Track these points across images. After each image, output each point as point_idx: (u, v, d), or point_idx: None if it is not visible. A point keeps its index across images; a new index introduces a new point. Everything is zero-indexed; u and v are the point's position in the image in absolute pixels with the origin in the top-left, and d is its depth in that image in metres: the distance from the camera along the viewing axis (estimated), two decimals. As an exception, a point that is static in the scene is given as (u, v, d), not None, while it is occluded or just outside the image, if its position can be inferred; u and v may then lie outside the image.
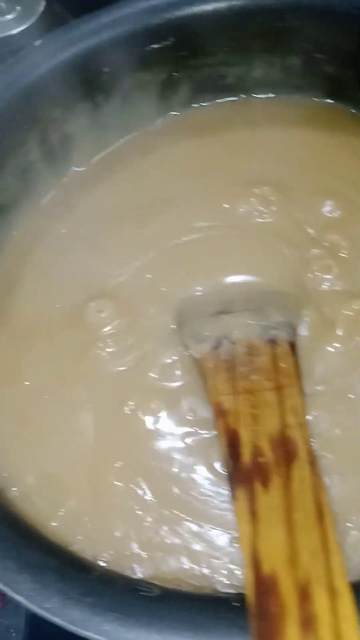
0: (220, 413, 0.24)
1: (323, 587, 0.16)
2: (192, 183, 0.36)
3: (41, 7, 0.46)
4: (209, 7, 0.30)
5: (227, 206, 0.34)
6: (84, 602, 0.17)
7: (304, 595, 0.16)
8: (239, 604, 0.17)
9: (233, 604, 0.17)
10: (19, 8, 0.47)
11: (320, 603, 0.16)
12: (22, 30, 0.47)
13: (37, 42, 0.30)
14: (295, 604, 0.16)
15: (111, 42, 0.31)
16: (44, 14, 0.45)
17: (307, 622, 0.16)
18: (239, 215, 0.34)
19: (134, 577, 0.18)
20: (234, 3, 0.30)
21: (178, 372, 0.29)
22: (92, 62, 0.31)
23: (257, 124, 0.38)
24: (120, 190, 0.36)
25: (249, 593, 0.16)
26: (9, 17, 0.47)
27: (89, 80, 0.32)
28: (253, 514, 0.19)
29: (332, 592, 0.16)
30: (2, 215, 0.34)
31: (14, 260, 0.34)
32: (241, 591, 0.18)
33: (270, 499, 0.19)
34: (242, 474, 0.21)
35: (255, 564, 0.17)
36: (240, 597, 0.17)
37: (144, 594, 0.17)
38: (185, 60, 0.34)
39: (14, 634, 0.41)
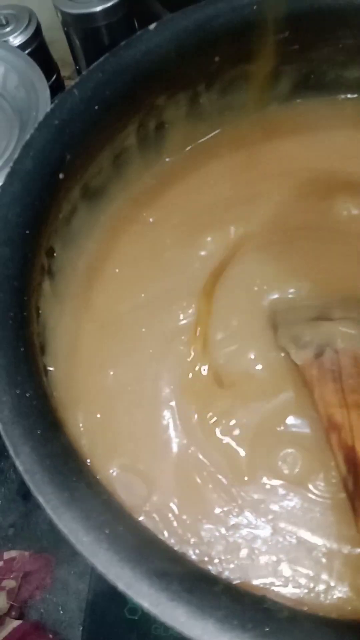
0: (333, 427, 0.23)
1: None
2: (285, 182, 0.35)
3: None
4: (329, 1, 0.29)
5: (322, 208, 0.34)
6: (214, 616, 0.17)
7: None
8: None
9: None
10: (102, -15, 0.46)
11: None
12: (104, 9, 0.47)
13: (152, 26, 0.29)
14: None
15: (226, 31, 0.30)
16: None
17: None
18: (334, 218, 0.33)
19: (259, 594, 0.18)
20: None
21: (267, 378, 0.29)
22: (204, 49, 0.30)
23: (355, 125, 0.36)
24: (210, 183, 0.35)
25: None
26: (93, -7, 0.46)
27: (197, 68, 0.31)
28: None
29: None
30: (93, 200, 0.33)
31: (101, 246, 0.34)
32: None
33: None
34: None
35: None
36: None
37: (275, 612, 0.17)
38: (294, 54, 0.33)
39: (61, 612, 0.42)
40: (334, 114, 0.36)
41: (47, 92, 0.43)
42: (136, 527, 0.19)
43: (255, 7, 0.29)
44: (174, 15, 0.29)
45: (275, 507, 0.25)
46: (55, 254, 0.31)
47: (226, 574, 0.24)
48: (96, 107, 0.28)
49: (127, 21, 0.49)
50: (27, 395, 0.21)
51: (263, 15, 0.29)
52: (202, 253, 0.33)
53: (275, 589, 0.23)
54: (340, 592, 0.21)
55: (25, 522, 0.44)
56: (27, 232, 0.26)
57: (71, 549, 0.45)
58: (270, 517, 0.25)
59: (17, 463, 0.20)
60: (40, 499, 0.19)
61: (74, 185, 0.31)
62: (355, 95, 0.36)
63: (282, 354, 0.29)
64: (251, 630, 0.16)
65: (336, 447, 0.22)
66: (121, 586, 0.17)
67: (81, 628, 0.39)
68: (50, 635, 0.39)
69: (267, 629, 0.16)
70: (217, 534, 0.25)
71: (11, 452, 0.20)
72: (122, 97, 0.29)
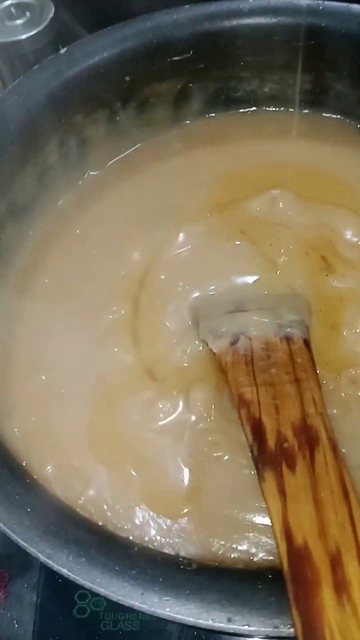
0: (243, 403, 0.25)
1: (353, 554, 0.18)
2: (204, 189, 0.37)
3: (50, 14, 0.48)
4: (229, 24, 0.32)
5: (240, 210, 0.36)
6: (128, 574, 0.18)
7: (336, 562, 0.18)
8: (272, 576, 0.18)
9: (268, 576, 0.19)
10: (28, 14, 0.49)
11: (352, 568, 0.17)
12: (30, 36, 0.49)
13: (63, 50, 0.31)
14: (328, 570, 0.17)
15: (133, 53, 0.32)
16: (52, 21, 0.47)
17: (341, 585, 0.17)
18: (251, 219, 0.36)
19: (172, 553, 0.19)
20: (253, 21, 0.32)
21: (191, 367, 0.31)
22: (114, 71, 0.33)
23: (267, 136, 0.39)
24: (133, 194, 0.38)
25: (284, 562, 0.18)
26: (19, 22, 0.48)
27: (110, 88, 0.34)
28: (281, 492, 0.20)
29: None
30: (20, 216, 0.35)
31: (31, 258, 0.35)
32: (275, 565, 0.20)
33: (296, 479, 0.21)
34: (269, 457, 0.22)
35: (288, 535, 0.19)
36: (274, 570, 0.19)
37: (183, 567, 0.18)
38: (202, 72, 0.36)
39: (16, 626, 0.42)
40: (241, 126, 0.39)
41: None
42: (57, 504, 0.21)
43: (158, 31, 0.32)
44: (84, 39, 0.32)
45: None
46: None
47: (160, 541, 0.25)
48: (11, 129, 0.30)
49: (54, 46, 0.51)
50: None
51: (165, 38, 0.32)
52: (127, 261, 0.35)
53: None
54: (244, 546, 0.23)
55: (-23, 540, 0.44)
56: None
57: (24, 563, 0.45)
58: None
59: None
60: None
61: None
62: (254, 108, 0.39)
63: (202, 347, 0.31)
64: (162, 582, 0.18)
65: (245, 420, 0.24)
66: (43, 558, 0.19)
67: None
68: (6, 650, 0.39)
69: (176, 580, 0.18)
70: (150, 520, 0.27)
71: None
72: (37, 118, 0.31)
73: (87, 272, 0.35)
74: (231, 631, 0.17)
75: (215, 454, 0.28)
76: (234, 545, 0.23)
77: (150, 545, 0.22)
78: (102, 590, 0.18)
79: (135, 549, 0.19)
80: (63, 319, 0.33)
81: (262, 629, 0.17)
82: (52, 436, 0.30)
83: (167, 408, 0.29)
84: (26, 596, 0.42)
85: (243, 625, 0.17)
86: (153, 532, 0.26)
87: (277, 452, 0.22)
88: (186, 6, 0.32)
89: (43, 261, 0.35)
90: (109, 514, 0.27)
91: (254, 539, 0.23)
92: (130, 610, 0.33)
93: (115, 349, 0.32)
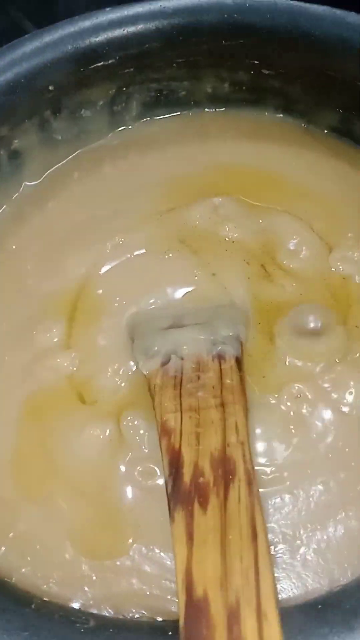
0: (164, 432, 0.24)
1: (252, 608, 0.16)
2: (144, 196, 0.36)
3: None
4: (151, 25, 0.31)
5: (180, 219, 0.35)
6: (21, 636, 0.17)
7: (234, 617, 0.17)
8: (172, 632, 0.17)
9: (169, 633, 0.18)
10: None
11: (249, 625, 0.16)
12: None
13: (-20, 60, 0.30)
14: (224, 626, 0.16)
15: (54, 62, 0.31)
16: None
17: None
18: (191, 228, 0.34)
19: (72, 607, 0.18)
20: (175, 21, 0.31)
21: (125, 389, 0.30)
22: (36, 81, 0.31)
23: (209, 137, 0.38)
24: (71, 205, 0.36)
25: (181, 616, 0.17)
26: None
27: (35, 98, 0.32)
28: (189, 536, 0.19)
29: (260, 615, 0.16)
30: None
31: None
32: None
33: (207, 520, 0.20)
34: (182, 495, 0.21)
35: (188, 585, 0.18)
36: (176, 625, 0.18)
37: (80, 625, 0.17)
38: (133, 76, 0.34)
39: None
40: (182, 128, 0.37)
41: None
42: None
43: (79, 37, 0.30)
44: (1, 49, 0.30)
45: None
46: None
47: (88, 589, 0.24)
48: None
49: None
50: None
51: (87, 44, 0.30)
52: (63, 276, 0.33)
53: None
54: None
55: None
56: None
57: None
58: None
59: None
60: None
61: None
62: (194, 110, 0.37)
63: (136, 367, 0.29)
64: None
65: (164, 451, 0.23)
66: None
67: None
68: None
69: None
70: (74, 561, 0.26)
71: None
72: None
73: (22, 289, 0.33)
74: None
75: (149, 483, 0.27)
76: (156, 593, 0.22)
77: (57, 597, 0.21)
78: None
79: (33, 605, 0.18)
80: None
81: None
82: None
83: (97, 434, 0.28)
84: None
85: None
86: (72, 575, 0.25)
87: (191, 488, 0.21)
88: (107, 9, 0.30)
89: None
90: (38, 551, 0.26)
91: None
92: None
93: (47, 371, 0.31)
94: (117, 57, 0.32)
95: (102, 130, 0.37)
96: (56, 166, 0.37)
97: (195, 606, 0.17)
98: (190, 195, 0.35)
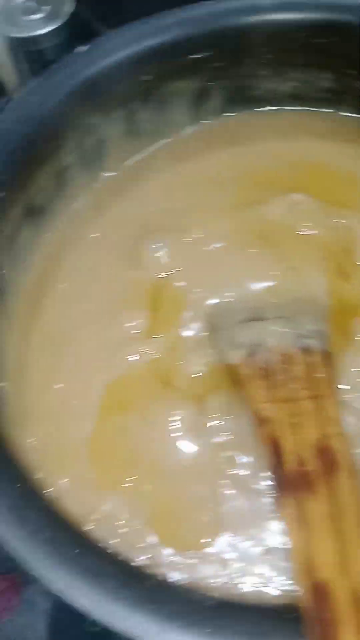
0: (261, 421, 0.24)
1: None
2: (222, 191, 0.36)
3: (70, 9, 0.46)
4: (251, 20, 0.31)
5: (258, 214, 0.35)
6: (148, 609, 0.17)
7: (358, 602, 0.17)
8: (291, 615, 0.17)
9: (286, 615, 0.18)
10: (47, 8, 0.47)
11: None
12: (49, 31, 0.48)
13: (83, 48, 0.30)
14: (350, 611, 0.17)
15: (154, 51, 0.31)
16: (72, 16, 0.46)
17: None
18: (269, 223, 0.35)
19: (188, 587, 0.18)
20: (275, 17, 0.31)
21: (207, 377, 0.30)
22: (134, 69, 0.31)
23: (288, 135, 0.38)
24: (150, 196, 0.37)
25: (305, 600, 0.17)
26: (37, 16, 0.47)
27: (129, 87, 0.32)
28: (302, 521, 0.19)
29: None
30: (36, 219, 0.34)
31: (47, 263, 0.34)
32: (291, 601, 0.19)
33: (317, 507, 0.20)
34: (288, 482, 0.21)
35: (308, 571, 0.18)
36: (291, 608, 0.18)
37: (203, 603, 0.18)
38: (221, 70, 0.34)
39: (29, 633, 0.41)
40: (261, 125, 0.38)
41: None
42: (72, 531, 0.20)
43: (179, 29, 0.31)
44: (104, 37, 0.31)
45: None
46: (4, 271, 0.31)
47: (174, 575, 0.24)
48: (31, 129, 0.29)
49: (72, 43, 0.50)
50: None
51: (187, 35, 0.31)
52: (144, 267, 0.34)
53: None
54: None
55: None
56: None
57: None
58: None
59: None
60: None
61: (17, 204, 0.31)
62: (275, 107, 0.37)
63: (219, 356, 0.30)
64: (182, 618, 0.17)
65: (264, 439, 0.23)
66: (57, 588, 0.18)
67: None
68: (20, 656, 0.39)
69: (195, 617, 0.17)
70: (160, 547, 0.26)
71: None
72: (57, 117, 0.30)
73: (103, 278, 0.34)
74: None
75: (231, 472, 0.27)
76: (255, 581, 0.22)
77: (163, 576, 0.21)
78: (118, 625, 0.17)
79: (152, 581, 0.18)
80: (78, 327, 0.32)
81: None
82: (65, 448, 0.29)
83: (179, 420, 0.28)
84: (39, 604, 0.42)
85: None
86: (164, 560, 0.26)
87: (297, 476, 0.21)
88: (207, 1, 0.30)
89: (59, 266, 0.34)
90: (122, 536, 0.27)
91: (274, 573, 0.22)
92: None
93: (130, 358, 0.31)
94: (214, 50, 0.32)
95: (183, 123, 0.38)
96: (136, 158, 0.38)
97: (318, 591, 0.17)
98: (268, 191, 0.35)
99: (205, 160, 0.38)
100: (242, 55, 0.33)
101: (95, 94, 0.31)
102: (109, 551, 0.20)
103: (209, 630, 0.17)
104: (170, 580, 0.19)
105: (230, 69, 0.34)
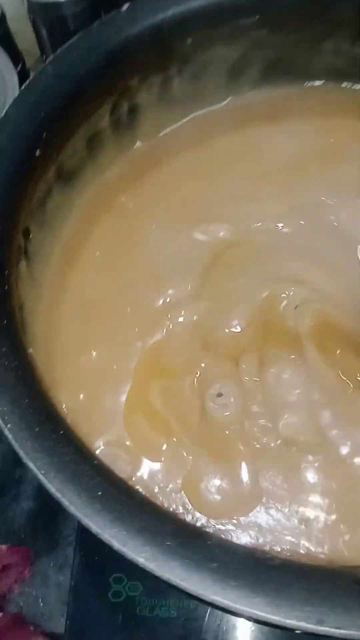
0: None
1: None
2: (256, 167, 0.35)
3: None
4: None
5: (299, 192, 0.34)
6: (209, 568, 0.17)
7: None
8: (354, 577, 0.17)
9: (348, 577, 0.17)
10: (71, -26, 0.46)
11: None
12: (71, -1, 0.47)
13: (125, 7, 0.29)
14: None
15: (198, 13, 0.30)
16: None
17: None
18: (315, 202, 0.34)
19: (250, 546, 0.18)
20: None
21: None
22: (177, 31, 0.31)
23: (335, 115, 0.37)
24: (187, 172, 0.36)
25: None
26: (59, -18, 0.46)
27: (169, 50, 0.32)
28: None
29: None
30: (68, 183, 0.33)
31: (77, 229, 0.34)
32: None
33: None
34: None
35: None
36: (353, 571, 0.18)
37: (266, 562, 0.17)
38: (263, 39, 0.34)
39: (41, 604, 0.41)
40: (302, 101, 0.37)
41: (15, 78, 0.43)
42: (126, 488, 0.19)
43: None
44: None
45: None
46: (31, 235, 0.31)
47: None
48: (70, 85, 0.28)
49: (94, 10, 0.49)
50: (13, 366, 0.21)
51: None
52: (195, 239, 0.33)
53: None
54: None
55: (2, 516, 0.43)
56: (4, 208, 0.25)
57: (50, 541, 0.44)
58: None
59: (6, 431, 0.19)
60: (31, 465, 0.19)
61: (50, 165, 0.30)
62: (320, 82, 0.37)
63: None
64: (245, 578, 0.17)
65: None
66: (117, 544, 0.18)
67: (63, 619, 0.38)
68: (31, 628, 0.39)
69: (258, 576, 0.17)
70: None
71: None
72: (96, 76, 0.29)
73: (144, 246, 0.33)
74: (322, 633, 0.16)
75: (265, 440, 0.27)
76: (305, 543, 0.22)
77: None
78: (182, 584, 0.17)
79: (212, 540, 0.18)
80: (113, 294, 0.32)
81: (357, 632, 0.16)
82: (101, 413, 0.29)
83: (220, 384, 0.28)
84: (52, 576, 0.42)
85: (335, 628, 0.16)
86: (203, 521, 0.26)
87: None
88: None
89: (91, 232, 0.34)
90: (161, 498, 0.26)
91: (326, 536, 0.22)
92: (167, 596, 0.32)
93: (169, 323, 0.30)
94: (257, 17, 0.31)
95: (218, 95, 0.37)
96: (170, 128, 0.37)
97: None
98: (304, 175, 0.35)
99: (242, 137, 0.37)
100: (284, 22, 0.32)
101: (136, 56, 0.30)
102: (165, 508, 0.19)
103: (273, 588, 0.16)
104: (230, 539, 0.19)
105: (274, 37, 0.33)
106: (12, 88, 0.41)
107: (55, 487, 0.18)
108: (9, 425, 0.19)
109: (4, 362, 0.21)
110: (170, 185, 0.35)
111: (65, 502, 0.18)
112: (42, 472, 0.19)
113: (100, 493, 0.18)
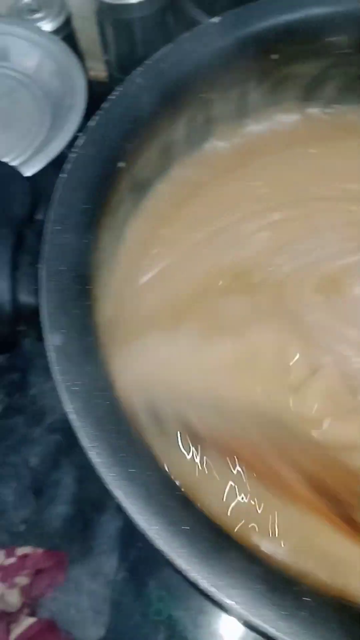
0: None
1: None
2: (327, 185, 0.35)
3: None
4: None
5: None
6: (299, 615, 0.16)
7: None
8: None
9: None
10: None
11: None
12: (142, 1, 0.46)
13: (215, 20, 0.29)
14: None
15: (287, 28, 0.29)
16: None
17: None
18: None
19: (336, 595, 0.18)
20: None
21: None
22: (264, 47, 0.30)
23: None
24: (251, 182, 0.35)
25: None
26: (131, -15, 0.46)
27: (254, 65, 0.31)
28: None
29: None
30: (137, 192, 0.33)
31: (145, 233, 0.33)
32: None
33: None
34: None
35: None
36: None
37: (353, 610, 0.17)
38: (345, 57, 0.33)
39: (73, 611, 0.41)
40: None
41: (83, 81, 0.42)
42: (210, 522, 0.19)
43: (316, 6, 0.29)
44: (237, 10, 0.29)
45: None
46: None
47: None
48: (156, 98, 0.28)
49: (161, 17, 0.49)
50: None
51: (325, 14, 0.29)
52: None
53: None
54: None
55: (38, 519, 0.43)
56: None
57: (85, 548, 0.44)
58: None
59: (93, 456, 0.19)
60: (116, 493, 0.18)
61: (127, 176, 0.30)
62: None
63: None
64: (335, 630, 0.16)
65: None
66: (204, 585, 0.17)
67: (94, 628, 0.38)
68: (63, 634, 0.38)
69: (350, 625, 0.16)
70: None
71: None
72: (180, 88, 0.29)
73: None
74: None
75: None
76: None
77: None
78: (272, 631, 0.16)
79: (299, 586, 0.17)
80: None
81: None
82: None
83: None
84: (85, 583, 0.41)
85: None
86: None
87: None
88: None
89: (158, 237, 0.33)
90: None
91: None
92: (209, 616, 0.32)
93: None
94: (346, 36, 0.30)
95: (291, 110, 0.36)
96: (241, 139, 0.36)
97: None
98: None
99: (309, 151, 0.36)
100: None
101: (221, 69, 0.30)
102: (251, 547, 0.19)
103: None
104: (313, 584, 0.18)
105: (353, 56, 0.33)
106: (80, 90, 0.41)
107: (146, 526, 0.18)
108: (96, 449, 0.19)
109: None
110: (228, 195, 0.34)
111: (152, 537, 0.18)
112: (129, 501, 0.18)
113: (186, 528, 0.18)
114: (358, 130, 0.36)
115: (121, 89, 0.26)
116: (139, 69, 0.27)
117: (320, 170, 0.35)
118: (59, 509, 0.43)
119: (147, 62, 0.27)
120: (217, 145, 0.35)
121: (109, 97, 0.26)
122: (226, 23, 0.29)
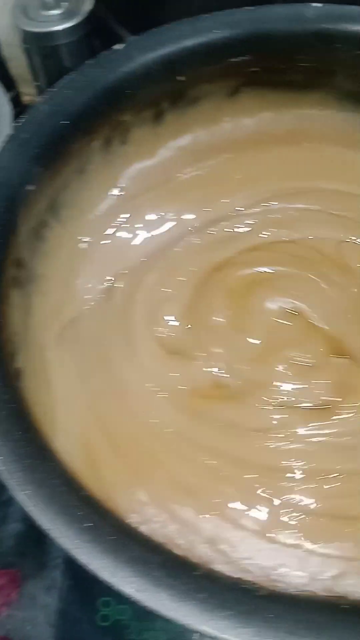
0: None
1: None
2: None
3: (88, 7, 0.47)
4: (292, 28, 0.31)
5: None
6: (196, 598, 0.18)
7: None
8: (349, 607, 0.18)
9: (343, 606, 0.18)
10: (66, 4, 0.48)
11: None
12: (66, 28, 0.48)
13: (119, 46, 0.30)
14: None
15: (191, 52, 0.31)
16: (90, 14, 0.46)
17: None
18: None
19: (237, 576, 0.19)
20: (312, 27, 0.31)
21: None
22: (169, 71, 0.32)
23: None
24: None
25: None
26: (55, 12, 0.47)
27: (162, 87, 0.33)
28: None
29: None
30: (57, 214, 0.34)
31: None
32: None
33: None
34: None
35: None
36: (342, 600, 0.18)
37: (252, 593, 0.18)
38: (254, 75, 0.35)
39: (29, 627, 0.41)
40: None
41: (8, 107, 0.43)
42: (114, 519, 0.20)
43: (218, 30, 0.31)
44: (140, 36, 0.31)
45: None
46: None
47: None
48: (62, 122, 0.29)
49: (88, 41, 0.50)
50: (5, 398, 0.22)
51: (225, 38, 0.31)
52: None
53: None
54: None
55: (-11, 539, 0.43)
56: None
57: (38, 563, 0.44)
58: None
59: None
60: (20, 497, 0.19)
61: (42, 199, 0.31)
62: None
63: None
64: (231, 608, 0.17)
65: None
66: (105, 575, 0.18)
67: (52, 640, 0.38)
68: (18, 651, 0.39)
69: (246, 607, 0.17)
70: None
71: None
72: (88, 113, 0.30)
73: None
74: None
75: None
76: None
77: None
78: (170, 614, 0.17)
79: (199, 571, 0.19)
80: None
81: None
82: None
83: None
84: (40, 598, 0.42)
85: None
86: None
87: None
88: (247, 8, 0.31)
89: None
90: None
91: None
92: (156, 621, 0.33)
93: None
94: (250, 56, 0.32)
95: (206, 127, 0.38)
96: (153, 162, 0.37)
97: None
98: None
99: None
100: (278, 62, 0.33)
101: (128, 93, 0.31)
102: (153, 540, 0.20)
103: (260, 619, 0.17)
104: (217, 570, 0.19)
105: (265, 75, 0.34)
106: (5, 116, 0.42)
107: (44, 520, 0.19)
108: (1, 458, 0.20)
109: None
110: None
111: (54, 534, 0.19)
112: (32, 503, 0.19)
113: (88, 525, 0.19)
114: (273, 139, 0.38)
115: (27, 116, 0.28)
116: (44, 95, 0.28)
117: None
118: (11, 528, 0.44)
119: (50, 89, 0.29)
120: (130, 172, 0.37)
121: (15, 124, 0.27)
122: (130, 48, 0.30)
